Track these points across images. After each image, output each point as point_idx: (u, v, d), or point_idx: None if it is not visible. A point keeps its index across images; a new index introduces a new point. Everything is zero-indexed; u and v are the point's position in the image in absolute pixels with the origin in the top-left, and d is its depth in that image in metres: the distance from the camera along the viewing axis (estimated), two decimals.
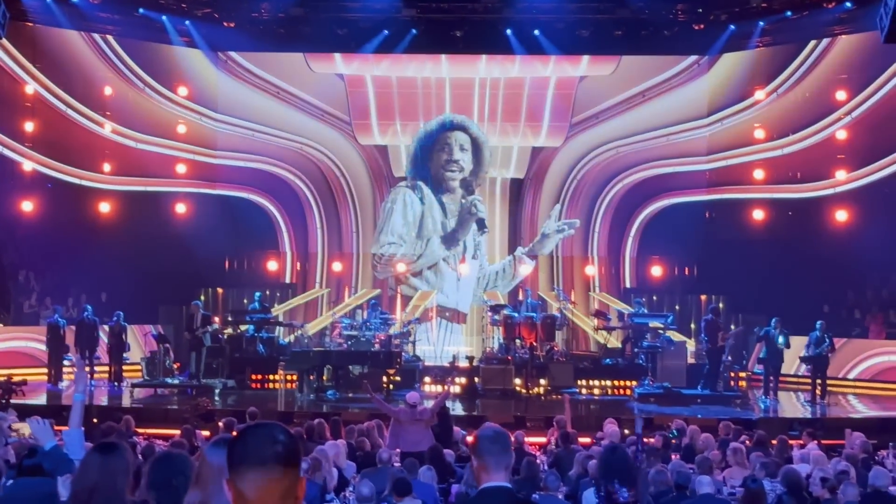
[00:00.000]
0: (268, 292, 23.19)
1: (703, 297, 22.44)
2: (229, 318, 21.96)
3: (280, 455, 2.78)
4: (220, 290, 24.26)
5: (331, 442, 10.90)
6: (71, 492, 4.21)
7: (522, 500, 4.17)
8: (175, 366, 20.34)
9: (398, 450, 11.56)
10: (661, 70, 23.65)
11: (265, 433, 2.82)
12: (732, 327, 21.91)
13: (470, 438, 13.20)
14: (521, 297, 21.87)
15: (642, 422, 11.20)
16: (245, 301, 23.24)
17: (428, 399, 15.16)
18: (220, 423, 13.07)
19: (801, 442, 13.03)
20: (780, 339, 18.97)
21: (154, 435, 14.98)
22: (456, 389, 18.43)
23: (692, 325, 22.96)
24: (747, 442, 12.16)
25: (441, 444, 11.60)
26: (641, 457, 9.30)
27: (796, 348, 19.78)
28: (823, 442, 13.00)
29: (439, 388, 17.97)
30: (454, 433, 13.32)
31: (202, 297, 22.55)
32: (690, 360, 19.93)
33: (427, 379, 20.07)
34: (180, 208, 23.60)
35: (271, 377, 20.47)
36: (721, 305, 21.75)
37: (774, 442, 12.48)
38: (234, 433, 2.98)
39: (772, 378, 19.11)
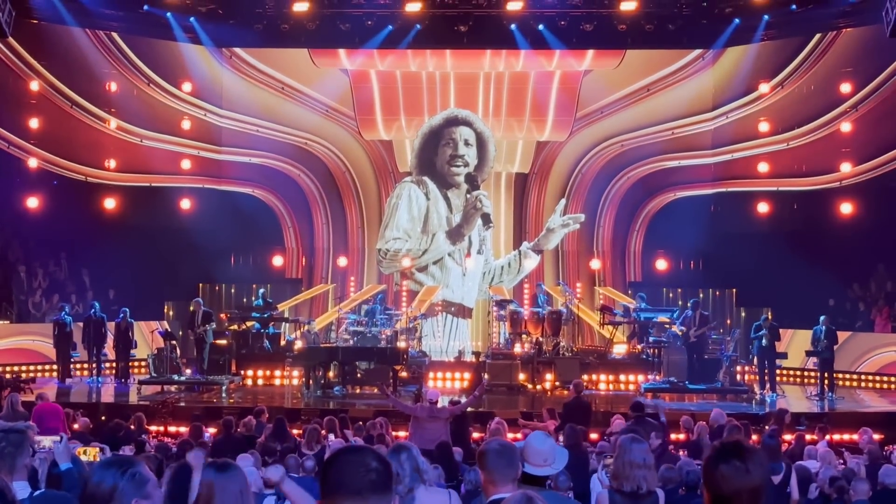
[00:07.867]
0: (268, 287, 23.14)
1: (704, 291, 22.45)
2: (234, 314, 21.87)
3: (375, 483, 2.82)
4: (231, 287, 24.28)
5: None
6: None
7: None
8: (182, 362, 20.34)
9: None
10: (665, 64, 23.59)
11: (358, 461, 2.86)
12: (728, 323, 22.12)
13: (476, 435, 13.24)
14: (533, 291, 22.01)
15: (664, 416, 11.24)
16: (253, 297, 23.14)
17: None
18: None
19: (814, 438, 13.07)
20: (764, 340, 18.92)
21: (162, 433, 15.08)
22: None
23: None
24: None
25: (454, 442, 11.57)
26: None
27: (801, 342, 19.78)
28: (832, 439, 13.05)
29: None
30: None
31: (205, 294, 22.64)
32: None
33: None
34: (185, 204, 23.58)
35: (277, 373, 20.50)
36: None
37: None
38: (327, 459, 3.00)
39: (767, 372, 19.10)
